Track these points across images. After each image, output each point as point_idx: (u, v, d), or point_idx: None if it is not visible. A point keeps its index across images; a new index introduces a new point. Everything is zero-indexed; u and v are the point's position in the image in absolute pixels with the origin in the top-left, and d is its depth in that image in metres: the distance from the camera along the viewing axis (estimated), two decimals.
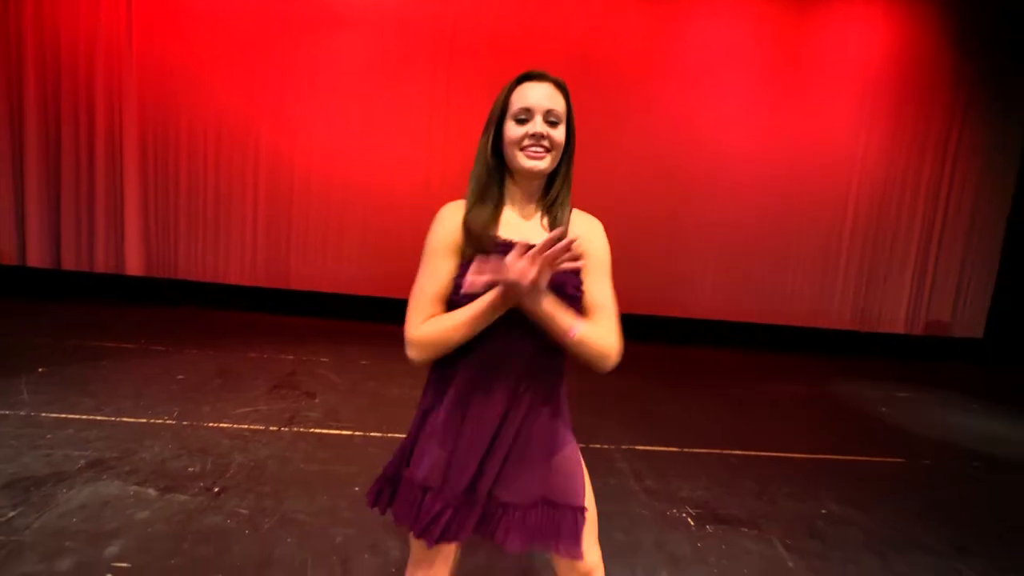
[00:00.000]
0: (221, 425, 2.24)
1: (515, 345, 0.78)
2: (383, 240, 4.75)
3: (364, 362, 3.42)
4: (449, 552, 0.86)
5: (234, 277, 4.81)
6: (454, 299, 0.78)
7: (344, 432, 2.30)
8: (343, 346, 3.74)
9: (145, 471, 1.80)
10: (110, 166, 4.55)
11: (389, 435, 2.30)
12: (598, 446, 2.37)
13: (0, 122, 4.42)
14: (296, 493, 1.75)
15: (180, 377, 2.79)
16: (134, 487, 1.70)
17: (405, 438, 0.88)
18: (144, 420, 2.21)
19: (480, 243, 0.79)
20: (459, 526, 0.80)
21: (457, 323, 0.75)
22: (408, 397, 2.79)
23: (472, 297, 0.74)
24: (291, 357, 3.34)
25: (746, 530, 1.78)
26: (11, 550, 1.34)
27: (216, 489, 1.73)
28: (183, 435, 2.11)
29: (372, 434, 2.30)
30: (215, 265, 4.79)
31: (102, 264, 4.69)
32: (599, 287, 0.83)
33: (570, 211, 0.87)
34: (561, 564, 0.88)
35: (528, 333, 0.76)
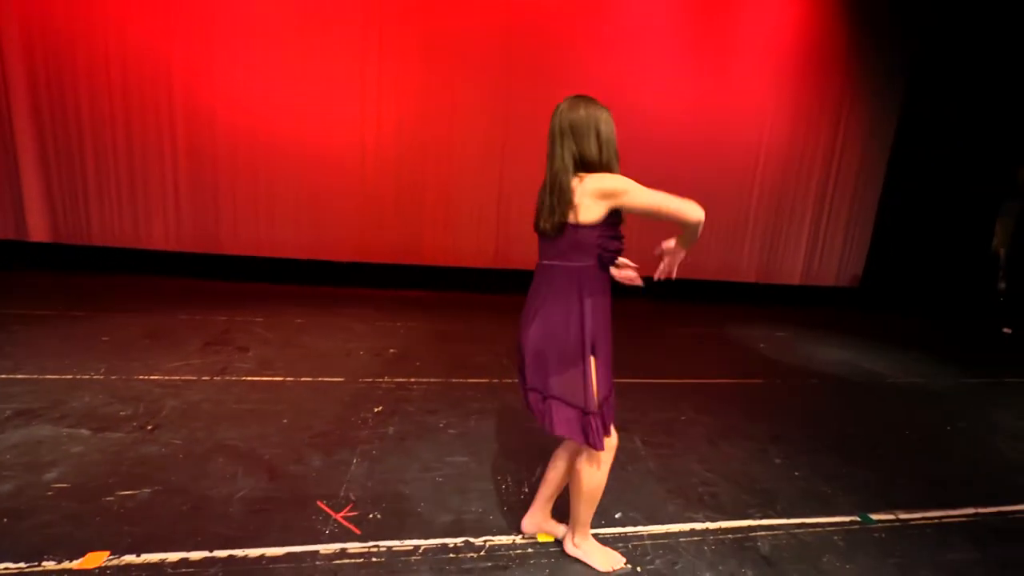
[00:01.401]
0: (152, 377, 2.36)
1: None
2: (317, 201, 4.75)
3: (299, 320, 3.56)
4: None
5: (158, 242, 4.67)
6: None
7: (276, 378, 2.50)
8: (278, 307, 3.84)
9: (76, 416, 1.94)
10: None
11: (319, 379, 2.53)
12: (509, 380, 2.72)
13: None
14: (228, 426, 1.96)
15: (105, 339, 2.83)
16: (67, 429, 1.84)
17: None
18: (70, 376, 2.29)
19: None
20: None
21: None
22: (341, 349, 3.00)
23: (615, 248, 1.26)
24: (224, 318, 3.42)
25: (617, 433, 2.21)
26: None
27: (150, 427, 1.91)
28: (113, 387, 2.23)
29: (303, 379, 2.52)
30: (135, 230, 4.62)
31: (1, 231, 4.39)
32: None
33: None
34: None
35: None
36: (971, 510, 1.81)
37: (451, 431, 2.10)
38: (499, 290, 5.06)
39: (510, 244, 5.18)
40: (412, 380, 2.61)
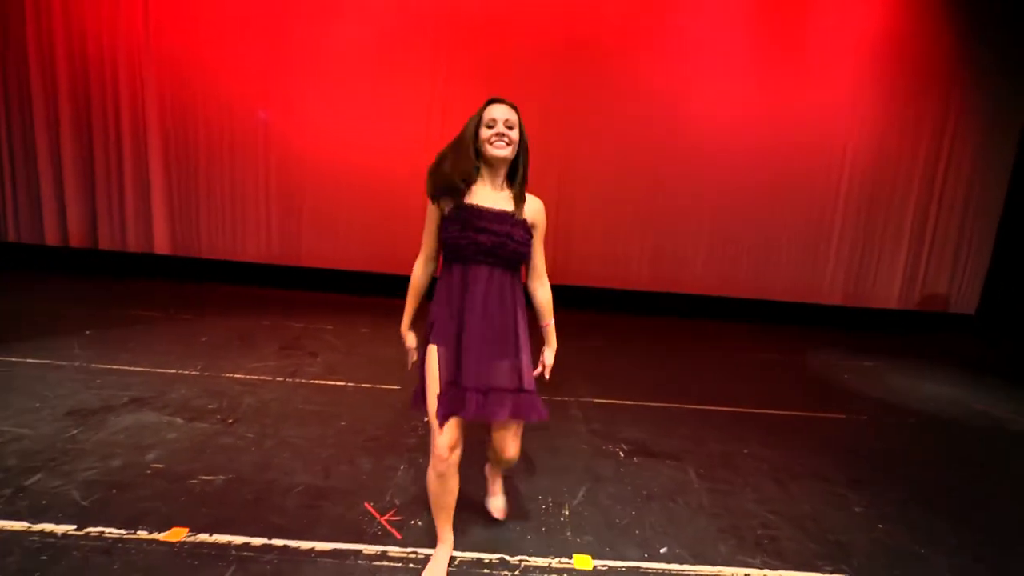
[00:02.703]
0: (236, 376, 2.65)
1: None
2: (384, 220, 5.10)
3: (364, 330, 3.81)
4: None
5: (251, 255, 5.26)
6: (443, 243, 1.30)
7: (338, 383, 2.68)
8: (346, 316, 4.14)
9: (174, 406, 2.22)
10: (136, 156, 5.01)
11: (378, 386, 2.68)
12: (559, 398, 2.69)
13: (38, 118, 4.90)
14: (292, 424, 2.14)
15: (204, 339, 3.23)
16: (166, 417, 2.12)
17: None
18: (173, 371, 2.64)
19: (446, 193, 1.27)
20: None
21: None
22: (400, 358, 3.15)
23: (451, 241, 1.26)
24: (300, 325, 3.75)
25: (668, 462, 2.09)
26: (77, 454, 1.77)
27: (230, 421, 2.14)
28: (205, 382, 2.53)
29: (363, 385, 2.68)
30: (233, 244, 5.25)
31: (133, 244, 5.20)
32: (541, 255, 1.40)
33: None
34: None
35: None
36: None
37: None
38: (561, 306, 5.04)
39: (570, 260, 5.16)
40: None
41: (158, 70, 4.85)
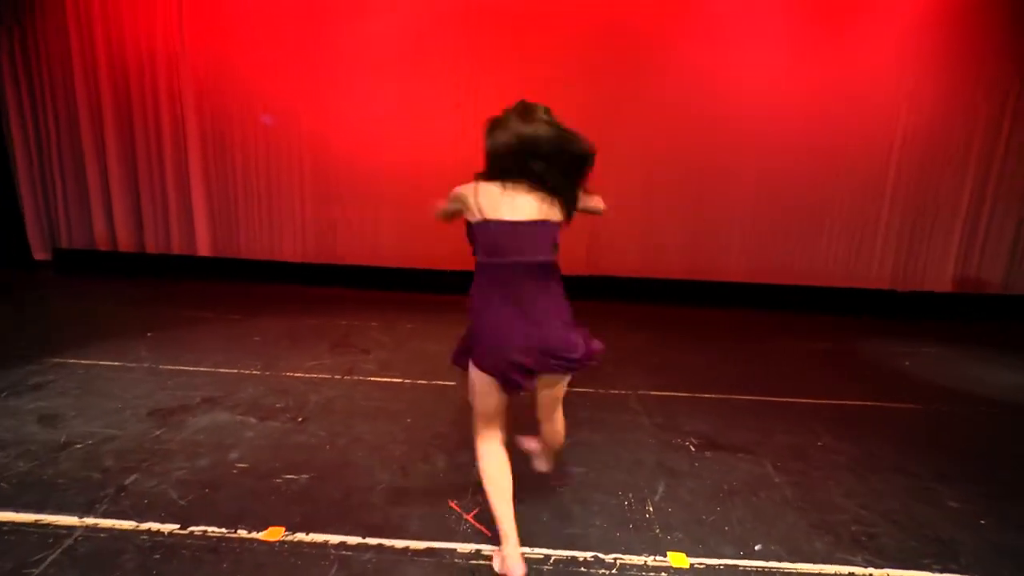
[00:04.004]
0: (296, 374, 2.70)
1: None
2: (417, 216, 5.09)
3: (409, 326, 3.83)
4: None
5: (288, 254, 5.35)
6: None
7: (395, 380, 2.71)
8: (389, 313, 4.17)
9: (245, 405, 2.27)
10: (177, 160, 5.11)
11: (433, 382, 2.69)
12: (616, 392, 2.65)
13: (84, 130, 5.05)
14: (361, 422, 2.17)
15: (256, 339, 3.30)
16: (239, 416, 2.17)
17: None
18: (236, 370, 2.70)
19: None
20: None
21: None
22: (449, 352, 3.16)
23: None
24: (345, 323, 3.80)
25: (741, 455, 2.04)
26: (165, 454, 1.83)
27: (300, 419, 2.18)
28: (268, 381, 2.58)
29: (419, 381, 2.70)
30: (270, 244, 5.34)
31: (177, 246, 5.35)
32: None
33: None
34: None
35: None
36: None
37: (568, 440, 2.10)
38: (593, 296, 4.99)
39: (601, 251, 5.08)
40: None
41: (194, 74, 4.92)
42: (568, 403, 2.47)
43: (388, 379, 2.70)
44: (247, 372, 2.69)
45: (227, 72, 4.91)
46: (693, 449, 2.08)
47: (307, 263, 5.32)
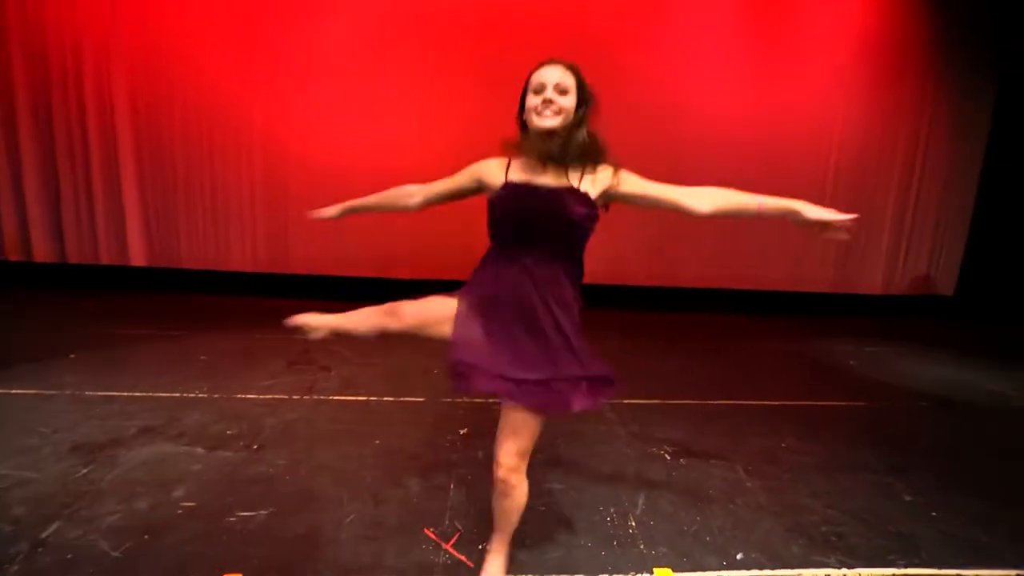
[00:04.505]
0: (249, 396, 2.48)
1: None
2: (379, 222, 4.92)
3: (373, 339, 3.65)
4: None
5: (236, 264, 4.99)
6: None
7: (360, 398, 2.55)
8: None
9: (191, 434, 2.05)
10: (105, 158, 4.65)
11: (401, 399, 2.56)
12: None
13: None
14: (325, 447, 2.01)
15: (203, 358, 3.02)
16: (184, 447, 1.95)
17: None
18: (178, 394, 2.45)
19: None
20: None
21: None
22: (417, 367, 3.04)
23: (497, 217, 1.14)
24: (302, 337, 3.56)
25: (714, 461, 2.07)
26: (94, 496, 1.60)
27: (255, 447, 1.99)
28: (217, 405, 2.36)
29: (386, 398, 2.56)
30: (216, 253, 4.96)
31: (106, 256, 4.85)
32: (666, 188, 1.19)
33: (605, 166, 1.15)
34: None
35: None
36: None
37: (539, 455, 2.03)
38: None
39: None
40: (491, 401, 2.58)
41: (127, 61, 4.49)
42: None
43: (353, 398, 2.55)
44: (191, 396, 2.44)
45: (167, 60, 4.51)
46: (668, 458, 2.09)
47: (258, 273, 4.99)
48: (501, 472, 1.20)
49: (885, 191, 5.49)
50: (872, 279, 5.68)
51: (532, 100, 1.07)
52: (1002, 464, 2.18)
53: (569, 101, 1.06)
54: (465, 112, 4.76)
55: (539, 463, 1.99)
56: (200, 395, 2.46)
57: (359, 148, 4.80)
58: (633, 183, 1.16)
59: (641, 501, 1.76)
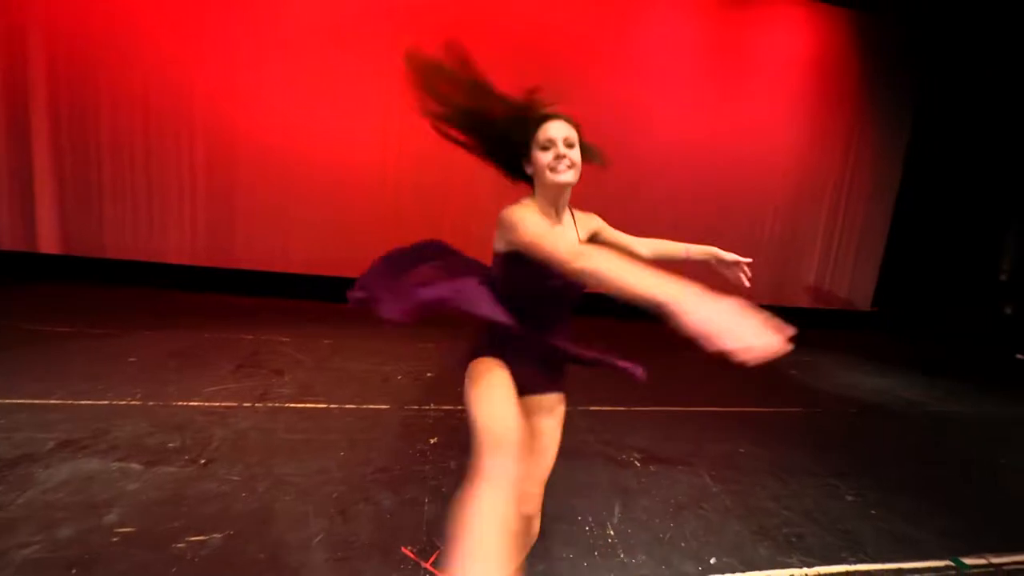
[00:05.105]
0: (192, 403, 2.25)
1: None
2: (338, 218, 4.68)
3: (328, 341, 3.46)
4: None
5: (173, 255, 4.55)
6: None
7: (319, 405, 2.39)
8: (304, 326, 3.73)
9: (123, 448, 1.82)
10: (12, 136, 4.07)
11: (365, 406, 2.43)
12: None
13: None
14: (284, 459, 1.86)
15: (132, 359, 2.70)
16: (116, 463, 1.72)
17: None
18: (106, 402, 2.17)
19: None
20: None
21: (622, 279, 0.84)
22: (378, 373, 2.91)
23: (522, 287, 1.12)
24: (250, 337, 3.30)
25: (681, 467, 2.15)
26: (4, 526, 1.36)
27: (203, 460, 1.79)
28: (153, 414, 2.11)
29: (347, 406, 2.42)
30: (149, 243, 4.49)
31: (8, 240, 4.24)
32: (624, 236, 1.36)
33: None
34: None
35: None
36: None
37: None
38: None
39: None
40: (459, 407, 2.52)
41: (46, 26, 3.98)
42: None
43: (312, 405, 2.38)
44: (122, 403, 2.17)
45: (93, 12, 4.02)
46: (639, 464, 2.13)
47: (199, 266, 4.58)
48: (530, 508, 1.09)
49: (817, 211, 6.03)
50: (804, 293, 6.21)
51: (544, 157, 1.10)
52: (924, 465, 2.43)
53: (577, 154, 1.12)
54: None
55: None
56: (132, 402, 2.19)
57: (317, 134, 4.53)
58: (609, 229, 1.34)
59: (617, 510, 1.78)
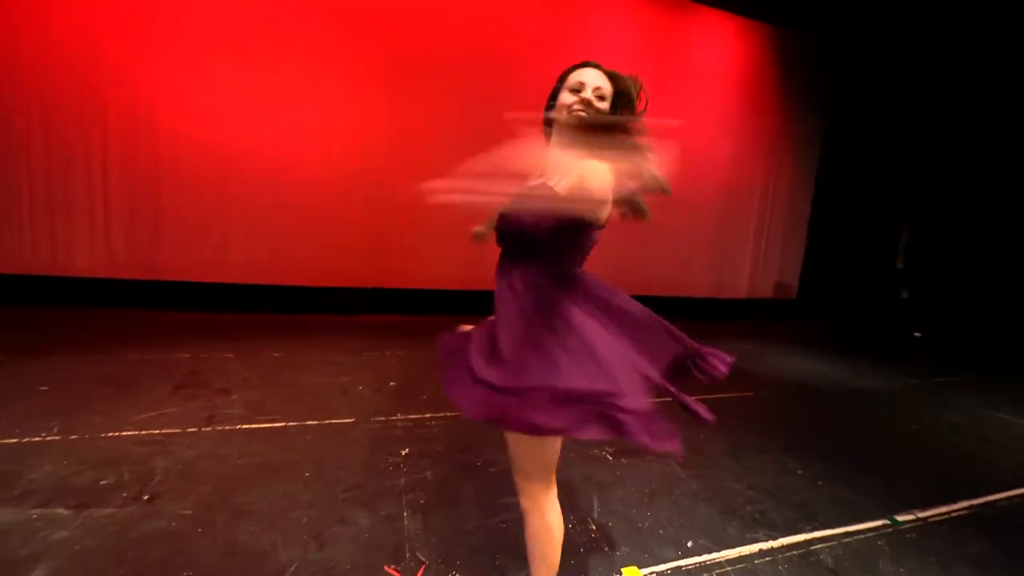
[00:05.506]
0: (124, 433, 2.00)
1: None
2: (278, 222, 4.39)
3: (276, 354, 3.23)
4: None
5: (81, 268, 4.04)
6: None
7: (276, 424, 2.22)
8: (246, 340, 3.46)
9: (43, 492, 1.58)
10: None
11: (326, 421, 2.29)
12: None
13: None
14: (243, 487, 1.70)
15: (44, 388, 2.36)
16: (36, 510, 1.49)
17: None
18: (14, 440, 1.87)
19: None
20: None
21: None
22: (335, 385, 2.76)
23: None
24: (187, 355, 3.01)
25: (650, 457, 2.23)
26: None
27: (146, 496, 1.60)
28: (77, 449, 1.85)
29: (308, 422, 2.27)
30: (52, 255, 3.96)
31: None
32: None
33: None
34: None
35: None
36: (965, 503, 2.04)
37: (492, 469, 1.99)
38: (474, 312, 4.97)
39: (482, 264, 5.12)
40: (428, 416, 2.46)
41: None
42: (483, 428, 2.37)
43: (267, 424, 2.21)
44: (35, 440, 1.89)
45: None
46: (611, 458, 2.19)
47: (117, 279, 4.09)
48: (520, 501, 1.12)
49: (749, 209, 6.55)
50: (740, 285, 6.72)
51: (567, 97, 0.99)
52: (853, 436, 2.71)
53: (605, 108, 1.00)
54: (375, 106, 4.50)
55: (492, 476, 1.94)
56: (49, 438, 1.91)
57: (251, 127, 4.22)
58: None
59: (596, 504, 1.81)
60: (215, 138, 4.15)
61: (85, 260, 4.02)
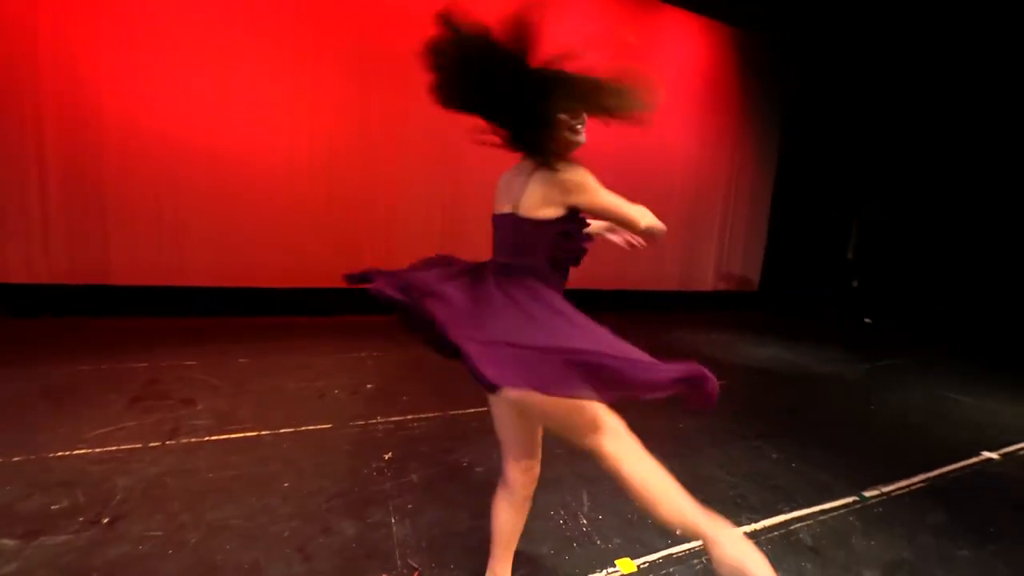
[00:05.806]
0: (77, 452, 1.84)
1: None
2: (239, 220, 4.16)
3: (243, 360, 3.07)
4: None
5: (17, 273, 3.70)
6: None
7: (249, 433, 2.11)
8: (210, 346, 3.27)
9: None
10: None
11: (302, 428, 2.20)
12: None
13: None
14: (217, 502, 1.60)
15: None
16: None
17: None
18: None
19: None
20: None
21: None
22: (310, 389, 2.65)
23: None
24: (144, 364, 2.81)
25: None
26: None
27: (106, 519, 1.48)
28: (22, 471, 1.69)
29: (283, 430, 2.16)
30: None
31: None
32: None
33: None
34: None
35: None
36: (922, 476, 2.19)
37: (478, 469, 1.97)
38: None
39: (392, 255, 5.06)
40: (409, 417, 2.40)
41: None
42: (466, 427, 2.33)
43: (239, 435, 2.09)
44: None
45: None
46: None
47: (58, 285, 3.77)
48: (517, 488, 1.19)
49: (713, 205, 6.78)
50: (705, 278, 6.96)
51: (578, 138, 1.14)
52: (818, 418, 2.85)
53: None
54: (344, 99, 4.35)
55: (480, 475, 1.91)
56: None
57: (210, 118, 3.99)
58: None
59: (585, 498, 1.82)
60: (169, 129, 3.89)
61: (20, 266, 3.68)
